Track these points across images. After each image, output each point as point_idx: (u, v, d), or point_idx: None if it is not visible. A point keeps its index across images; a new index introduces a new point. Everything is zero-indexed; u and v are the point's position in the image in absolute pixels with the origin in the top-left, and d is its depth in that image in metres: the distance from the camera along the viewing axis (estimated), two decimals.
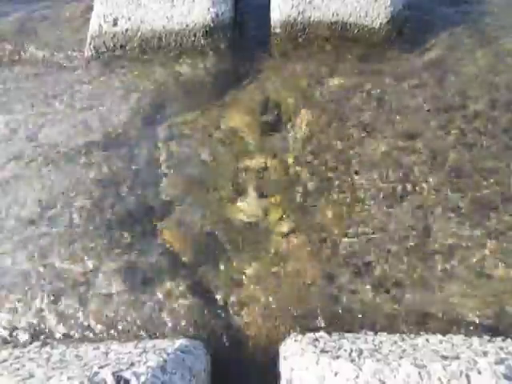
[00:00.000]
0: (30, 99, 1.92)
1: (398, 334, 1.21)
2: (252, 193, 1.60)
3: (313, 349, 1.15)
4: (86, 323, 1.35)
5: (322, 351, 1.14)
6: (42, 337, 1.34)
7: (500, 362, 1.06)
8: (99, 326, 1.35)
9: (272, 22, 2.01)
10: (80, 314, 1.37)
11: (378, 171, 1.61)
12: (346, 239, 1.48)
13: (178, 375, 1.10)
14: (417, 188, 1.57)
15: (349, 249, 1.46)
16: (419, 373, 1.05)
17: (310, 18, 1.96)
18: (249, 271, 1.44)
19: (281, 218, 1.54)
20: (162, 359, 1.12)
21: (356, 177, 1.61)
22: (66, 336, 1.33)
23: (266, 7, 2.05)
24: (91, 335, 1.33)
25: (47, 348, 1.25)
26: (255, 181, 1.63)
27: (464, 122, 1.72)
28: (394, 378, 1.05)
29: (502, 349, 1.13)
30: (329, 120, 1.76)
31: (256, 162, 1.68)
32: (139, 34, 1.99)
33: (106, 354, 1.17)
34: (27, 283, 1.43)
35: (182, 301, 1.38)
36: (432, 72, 1.89)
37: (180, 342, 1.23)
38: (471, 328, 1.28)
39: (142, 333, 1.33)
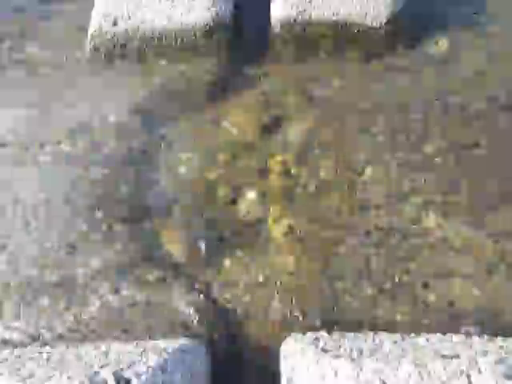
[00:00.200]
0: (30, 99, 1.92)
1: (398, 334, 1.21)
2: (252, 193, 1.60)
3: (313, 348, 1.15)
4: (85, 322, 1.35)
5: (323, 350, 1.14)
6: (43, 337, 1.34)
7: (500, 361, 1.06)
8: (99, 327, 1.35)
9: (272, 22, 2.00)
10: (78, 314, 1.37)
11: (379, 170, 1.61)
12: (346, 239, 1.48)
13: (179, 375, 1.10)
14: (421, 186, 1.56)
15: (350, 249, 1.46)
16: (419, 372, 1.05)
17: (310, 17, 1.96)
18: (249, 271, 1.44)
19: (281, 218, 1.54)
20: (162, 359, 1.12)
21: (356, 176, 1.61)
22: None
23: (266, 7, 2.05)
24: (90, 334, 1.33)
25: (47, 348, 1.25)
26: (255, 181, 1.63)
27: (464, 122, 1.72)
28: (394, 377, 1.05)
29: (502, 348, 1.13)
30: (329, 120, 1.76)
31: (256, 161, 1.68)
32: (139, 33, 1.99)
33: (106, 353, 1.17)
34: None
35: (182, 301, 1.38)
36: (433, 70, 1.89)
37: (180, 341, 1.23)
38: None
39: (142, 333, 1.33)
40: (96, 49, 2.01)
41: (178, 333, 1.32)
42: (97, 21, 2.01)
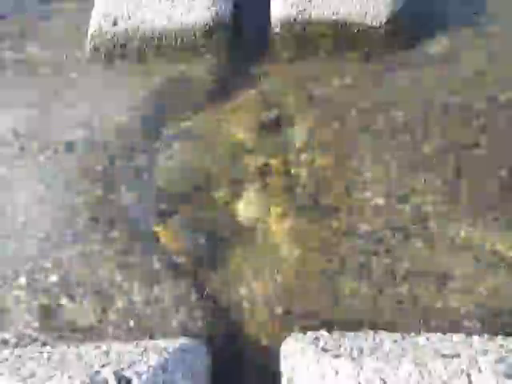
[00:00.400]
0: (30, 99, 1.92)
1: (398, 333, 1.21)
2: (252, 192, 1.61)
3: (313, 347, 1.16)
4: (84, 322, 1.36)
5: (323, 350, 1.14)
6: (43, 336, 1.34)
7: (500, 360, 1.06)
8: (99, 326, 1.35)
9: (272, 21, 2.00)
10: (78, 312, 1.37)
11: (379, 170, 1.61)
12: (346, 239, 1.48)
13: (179, 374, 1.11)
14: (421, 186, 1.56)
15: (350, 249, 1.46)
16: (420, 371, 1.05)
17: (309, 16, 1.96)
18: (249, 271, 1.44)
19: (281, 218, 1.54)
20: (163, 358, 1.12)
21: (357, 176, 1.61)
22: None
23: (266, 6, 2.05)
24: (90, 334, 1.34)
25: (48, 347, 1.25)
26: (255, 180, 1.63)
27: (464, 122, 1.72)
28: (394, 377, 1.05)
29: (502, 347, 1.13)
30: (329, 119, 1.76)
31: (256, 161, 1.68)
32: (139, 33, 1.99)
33: (107, 353, 1.18)
34: None
35: (182, 300, 1.39)
36: (433, 71, 1.89)
37: (181, 341, 1.23)
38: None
39: (143, 332, 1.33)
40: (96, 49, 2.01)
41: (178, 332, 1.33)
42: (97, 21, 2.01)
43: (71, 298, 1.40)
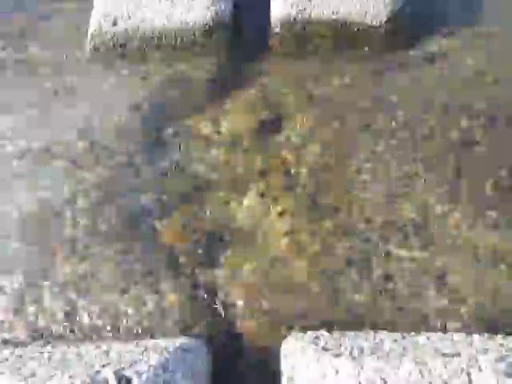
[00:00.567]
0: (30, 99, 1.92)
1: (398, 332, 1.21)
2: (252, 192, 1.61)
3: (314, 347, 1.16)
4: (84, 321, 1.36)
5: (323, 349, 1.14)
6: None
7: (501, 359, 1.06)
8: (100, 324, 1.35)
9: (272, 21, 2.00)
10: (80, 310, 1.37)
11: (379, 169, 1.61)
12: (346, 239, 1.48)
13: (180, 374, 1.11)
14: (421, 186, 1.56)
15: (349, 248, 1.46)
16: (420, 370, 1.06)
17: (309, 16, 1.96)
18: (249, 270, 1.44)
19: (281, 218, 1.54)
20: (163, 358, 1.12)
21: (356, 176, 1.61)
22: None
23: (265, 6, 2.05)
24: (92, 333, 1.34)
25: (48, 347, 1.25)
26: (255, 180, 1.63)
27: (464, 122, 1.72)
28: (394, 376, 1.05)
29: (502, 346, 1.13)
30: (329, 119, 1.76)
31: (256, 161, 1.68)
32: (139, 33, 1.99)
33: (107, 352, 1.18)
34: None
35: (182, 300, 1.39)
36: (433, 71, 1.89)
37: (181, 340, 1.23)
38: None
39: (143, 331, 1.33)
40: (96, 49, 2.01)
41: (178, 332, 1.33)
42: (97, 20, 2.01)
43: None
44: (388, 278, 1.39)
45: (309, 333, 1.24)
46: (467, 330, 1.27)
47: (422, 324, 1.30)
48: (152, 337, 1.31)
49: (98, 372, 1.07)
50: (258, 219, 1.55)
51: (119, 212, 1.58)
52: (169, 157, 1.71)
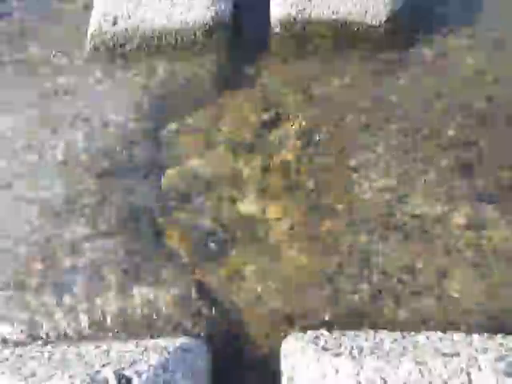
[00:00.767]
0: (30, 99, 1.92)
1: (398, 332, 1.21)
2: (252, 192, 1.61)
3: (314, 347, 1.16)
4: (84, 321, 1.36)
5: (323, 349, 1.14)
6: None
7: (500, 358, 1.06)
8: (103, 323, 1.35)
9: (272, 21, 2.01)
10: (83, 310, 1.37)
11: (379, 169, 1.61)
12: (346, 238, 1.48)
13: (180, 373, 1.11)
14: (421, 186, 1.56)
15: (350, 248, 1.46)
16: (420, 370, 1.06)
17: (309, 16, 1.96)
18: (249, 270, 1.44)
19: (281, 217, 1.54)
20: (163, 358, 1.12)
21: (356, 175, 1.61)
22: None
23: (265, 6, 2.05)
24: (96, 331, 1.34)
25: (49, 347, 1.25)
26: (255, 180, 1.63)
27: (464, 122, 1.72)
28: (394, 375, 1.05)
29: (502, 345, 1.14)
30: (329, 119, 1.76)
31: (256, 161, 1.68)
32: (139, 32, 1.99)
33: (108, 352, 1.18)
34: None
35: (183, 299, 1.39)
36: (432, 70, 1.89)
37: (181, 340, 1.23)
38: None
39: (143, 331, 1.33)
40: (96, 48, 2.01)
41: (178, 332, 1.33)
42: (97, 20, 2.01)
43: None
44: (388, 277, 1.39)
45: (309, 333, 1.24)
46: (467, 329, 1.27)
47: (421, 324, 1.30)
48: (152, 337, 1.31)
49: (97, 372, 1.07)
50: (258, 219, 1.55)
51: (119, 212, 1.58)
52: (169, 156, 1.71)
